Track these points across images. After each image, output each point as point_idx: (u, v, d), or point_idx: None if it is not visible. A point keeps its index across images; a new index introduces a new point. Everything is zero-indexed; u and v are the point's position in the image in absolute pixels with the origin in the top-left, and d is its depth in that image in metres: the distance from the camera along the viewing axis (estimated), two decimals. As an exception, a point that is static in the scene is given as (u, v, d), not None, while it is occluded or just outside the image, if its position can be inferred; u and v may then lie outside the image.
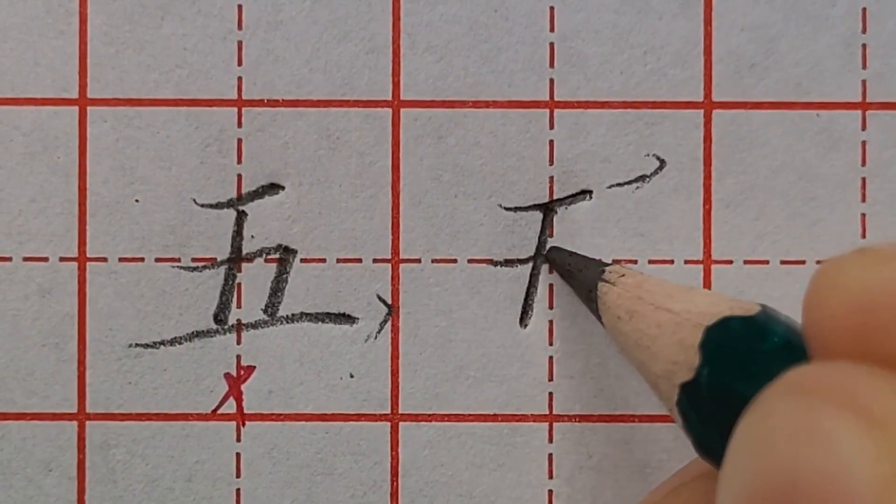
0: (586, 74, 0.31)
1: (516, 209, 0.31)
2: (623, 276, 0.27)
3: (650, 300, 0.25)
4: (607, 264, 0.28)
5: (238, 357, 0.30)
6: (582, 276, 0.28)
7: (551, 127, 0.31)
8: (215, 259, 0.30)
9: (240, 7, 0.30)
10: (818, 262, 0.30)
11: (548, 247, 0.30)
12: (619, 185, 0.31)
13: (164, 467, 0.30)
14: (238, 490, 0.30)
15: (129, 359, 0.30)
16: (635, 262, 0.31)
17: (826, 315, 0.19)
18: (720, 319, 0.23)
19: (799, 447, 0.17)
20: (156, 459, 0.30)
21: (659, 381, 0.24)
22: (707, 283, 0.31)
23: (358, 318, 0.30)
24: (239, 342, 0.30)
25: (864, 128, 0.31)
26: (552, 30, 0.31)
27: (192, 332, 0.30)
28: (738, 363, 0.22)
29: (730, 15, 0.31)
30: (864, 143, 0.31)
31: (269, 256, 0.30)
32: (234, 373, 0.30)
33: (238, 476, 0.30)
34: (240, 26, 0.30)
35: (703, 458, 0.23)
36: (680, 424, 0.23)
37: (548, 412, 0.30)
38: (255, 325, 0.30)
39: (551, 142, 0.31)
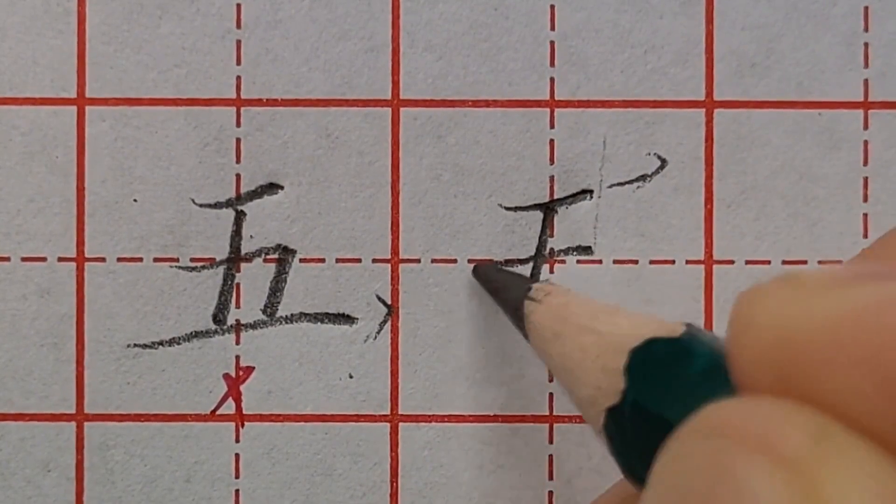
0: (587, 73, 0.30)
1: (516, 209, 0.30)
2: (549, 294, 0.26)
3: (575, 321, 0.24)
4: (534, 281, 0.27)
5: (237, 357, 0.30)
6: (508, 294, 0.27)
7: (552, 126, 0.30)
8: (214, 259, 0.30)
9: (238, 6, 0.30)
10: (820, 263, 0.30)
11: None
12: (619, 184, 0.30)
13: (162, 468, 0.30)
14: (237, 491, 0.30)
15: (128, 359, 0.30)
16: (636, 262, 0.30)
17: (746, 348, 0.18)
18: (644, 342, 0.22)
19: (713, 492, 0.17)
20: (154, 460, 0.30)
21: (584, 404, 0.23)
22: (709, 284, 0.30)
23: (357, 319, 0.30)
24: (238, 342, 0.30)
25: (865, 127, 0.30)
26: (552, 29, 0.30)
27: (191, 333, 0.30)
28: (662, 387, 0.21)
29: (731, 14, 0.30)
30: (865, 142, 0.30)
31: (268, 256, 0.30)
32: (233, 373, 0.30)
33: (237, 477, 0.30)
34: (238, 25, 0.30)
35: (629, 481, 0.23)
36: (607, 448, 0.23)
37: (548, 413, 0.30)
38: (254, 326, 0.30)
39: (551, 141, 0.30)
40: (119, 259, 0.30)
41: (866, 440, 0.16)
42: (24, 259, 0.30)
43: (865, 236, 0.30)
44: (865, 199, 0.30)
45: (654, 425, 0.21)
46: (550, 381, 0.30)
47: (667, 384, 0.21)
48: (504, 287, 0.28)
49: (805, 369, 0.17)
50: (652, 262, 0.30)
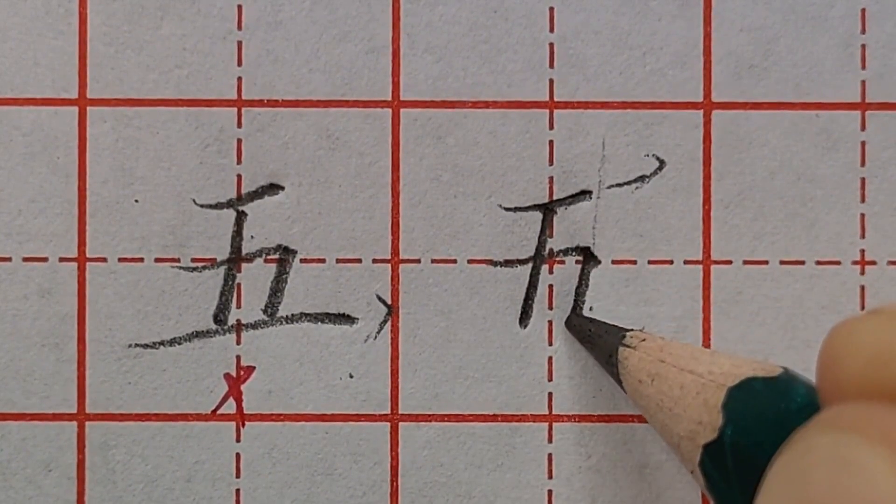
0: (586, 75, 0.31)
1: (516, 209, 0.31)
2: (644, 340, 0.27)
3: (673, 363, 0.25)
4: (628, 329, 0.28)
5: (238, 357, 0.30)
6: (602, 342, 0.29)
7: (551, 127, 0.31)
8: (215, 259, 0.30)
9: (239, 7, 0.30)
10: (817, 263, 0.31)
11: (568, 313, 0.30)
12: (618, 185, 0.31)
13: (163, 468, 0.30)
14: (238, 490, 0.30)
15: (129, 359, 0.30)
16: (634, 262, 0.31)
17: (844, 374, 0.20)
18: (743, 380, 0.23)
19: (837, 480, 0.18)
20: (155, 460, 0.30)
21: (682, 441, 0.24)
22: (707, 284, 0.31)
23: (358, 319, 0.31)
24: (239, 342, 0.30)
25: (863, 128, 0.31)
26: (552, 30, 0.31)
27: (192, 333, 0.30)
28: (762, 423, 0.22)
29: (729, 16, 0.31)
30: (863, 143, 0.31)
31: (268, 257, 0.30)
32: (233, 373, 0.30)
33: (238, 476, 0.30)
34: (239, 26, 0.30)
35: None
36: (702, 485, 0.23)
37: (547, 412, 0.30)
38: (254, 326, 0.30)
39: (551, 142, 0.31)
40: (120, 259, 0.30)
41: None
42: (25, 259, 0.30)
43: (863, 237, 0.31)
44: (863, 199, 0.31)
45: (753, 460, 0.22)
46: (550, 380, 0.30)
47: (766, 420, 0.22)
48: (597, 335, 0.29)
49: None
50: (650, 262, 0.31)
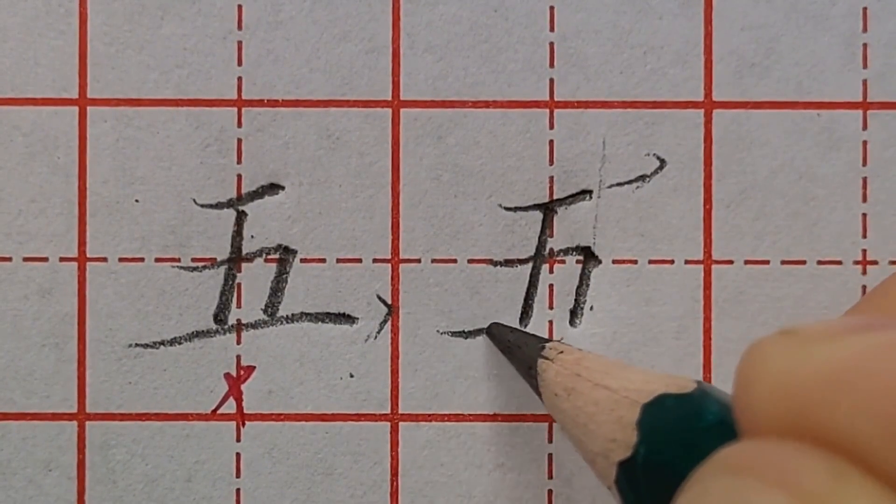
0: (586, 74, 0.31)
1: (516, 209, 0.31)
2: (562, 352, 0.27)
3: (588, 377, 0.25)
4: (547, 340, 0.28)
5: (238, 357, 0.30)
6: (521, 353, 0.28)
7: (551, 127, 0.31)
8: (215, 259, 0.30)
9: (240, 7, 0.30)
10: (819, 263, 0.30)
11: (489, 322, 0.30)
12: (619, 184, 0.31)
13: (163, 467, 0.30)
14: (238, 490, 0.30)
15: (129, 359, 0.30)
16: (635, 262, 0.31)
17: (754, 399, 0.19)
18: (656, 397, 0.23)
19: None
20: (156, 459, 0.30)
21: (597, 458, 0.24)
22: (708, 284, 0.30)
23: (358, 318, 0.30)
24: (239, 342, 0.30)
25: (864, 127, 0.30)
26: (552, 30, 0.31)
27: (192, 332, 0.30)
28: (674, 441, 0.22)
29: (730, 14, 0.30)
30: (864, 142, 0.31)
31: (268, 256, 0.30)
32: (233, 373, 0.30)
33: (238, 476, 0.30)
34: (240, 26, 0.30)
35: None
36: (618, 502, 0.23)
37: (547, 412, 0.30)
38: (254, 325, 0.30)
39: (551, 142, 0.31)
40: (120, 259, 0.30)
41: (873, 479, 0.17)
42: (25, 259, 0.30)
43: (864, 236, 0.30)
44: (864, 199, 0.31)
45: (666, 477, 0.21)
46: (550, 380, 0.30)
47: (678, 438, 0.22)
48: (517, 346, 0.29)
49: (811, 415, 0.18)
50: (651, 262, 0.31)
